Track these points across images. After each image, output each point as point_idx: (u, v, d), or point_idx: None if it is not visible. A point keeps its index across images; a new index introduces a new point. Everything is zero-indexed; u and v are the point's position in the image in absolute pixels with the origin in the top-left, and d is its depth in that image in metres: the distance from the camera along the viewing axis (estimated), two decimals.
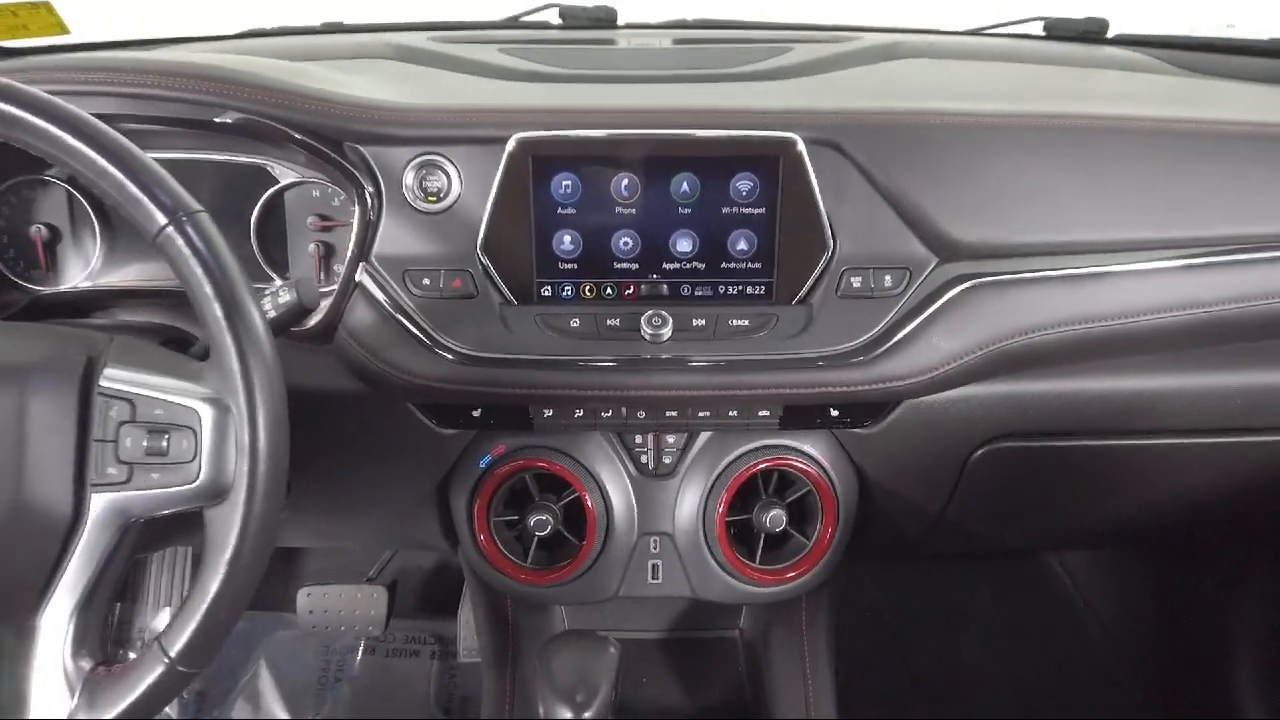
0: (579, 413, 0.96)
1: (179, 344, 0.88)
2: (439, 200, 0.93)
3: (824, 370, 0.90)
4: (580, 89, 1.05)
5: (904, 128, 0.91)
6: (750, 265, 0.93)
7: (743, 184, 0.90)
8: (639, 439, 1.01)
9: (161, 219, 0.66)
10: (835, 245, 0.91)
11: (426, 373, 0.91)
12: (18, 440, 0.67)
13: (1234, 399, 1.01)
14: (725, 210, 0.91)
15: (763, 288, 0.93)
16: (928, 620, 1.38)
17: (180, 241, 0.66)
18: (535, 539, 1.00)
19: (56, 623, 0.68)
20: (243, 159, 1.01)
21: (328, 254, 1.04)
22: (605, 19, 1.50)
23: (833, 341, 0.90)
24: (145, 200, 0.66)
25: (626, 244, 0.93)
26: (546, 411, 0.96)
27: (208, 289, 0.67)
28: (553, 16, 1.52)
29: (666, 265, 0.93)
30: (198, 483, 0.67)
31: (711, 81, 1.09)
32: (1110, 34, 1.46)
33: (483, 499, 1.00)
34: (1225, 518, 1.25)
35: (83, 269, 1.05)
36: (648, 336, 0.90)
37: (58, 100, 0.66)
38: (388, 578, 1.65)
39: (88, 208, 1.03)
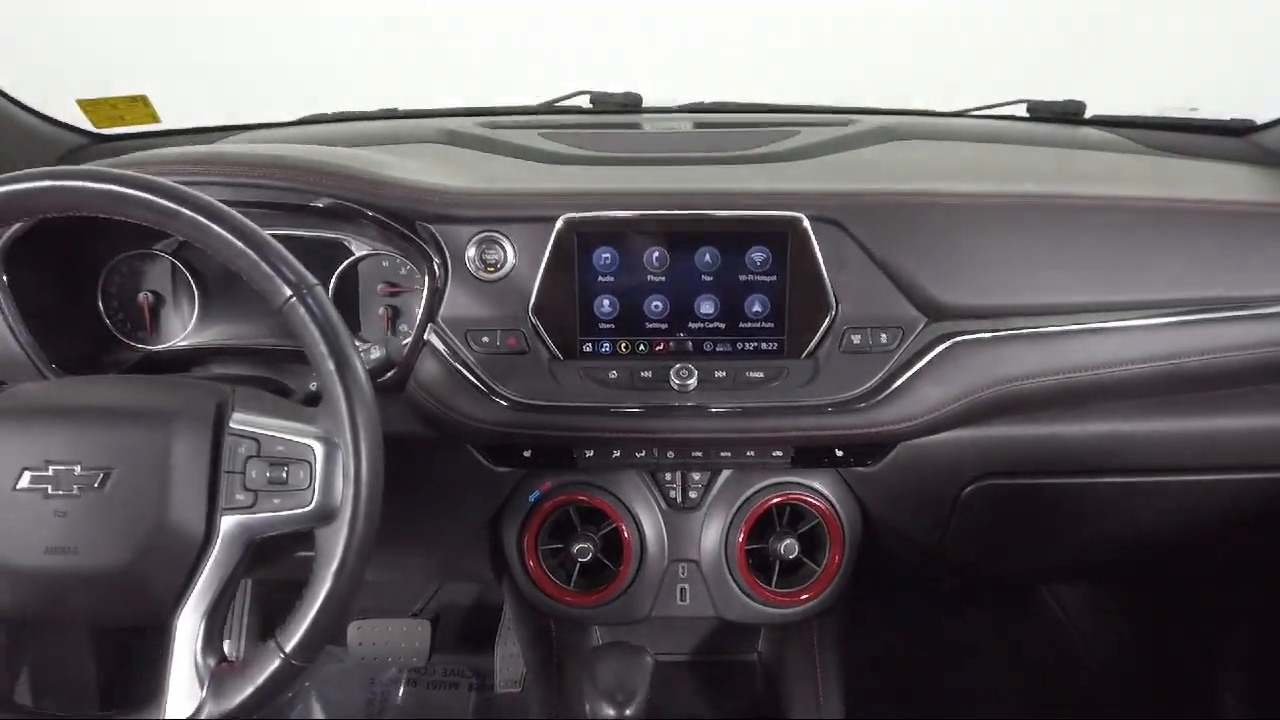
0: (616, 453, 1.10)
1: (278, 393, 1.03)
2: (497, 270, 1.08)
3: (830, 416, 1.04)
4: (616, 171, 1.21)
5: (896, 207, 1.06)
6: (764, 325, 1.07)
7: (756, 255, 1.05)
8: (668, 476, 1.15)
9: (287, 291, 0.81)
10: (837, 307, 1.06)
11: (485, 418, 1.05)
12: (164, 472, 0.81)
13: (1204, 441, 1.14)
14: (742, 278, 1.06)
15: (775, 344, 1.08)
16: (931, 653, 1.48)
17: (302, 310, 0.81)
18: (578, 565, 1.13)
19: (190, 625, 0.82)
20: (324, 235, 1.17)
21: (394, 316, 1.19)
22: (631, 103, 1.66)
23: (837, 391, 1.04)
24: (274, 276, 0.81)
25: (657, 307, 1.08)
26: (588, 452, 1.10)
27: (323, 348, 0.81)
28: (584, 101, 1.68)
29: (691, 325, 1.08)
30: (312, 506, 0.81)
31: (728, 163, 1.25)
32: (1087, 115, 1.61)
33: (532, 530, 1.14)
34: (1208, 553, 1.36)
35: (181, 329, 1.21)
36: (676, 386, 1.05)
37: (200, 194, 0.82)
38: (430, 613, 1.77)
39: (188, 277, 1.19)
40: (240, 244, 0.81)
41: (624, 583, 1.13)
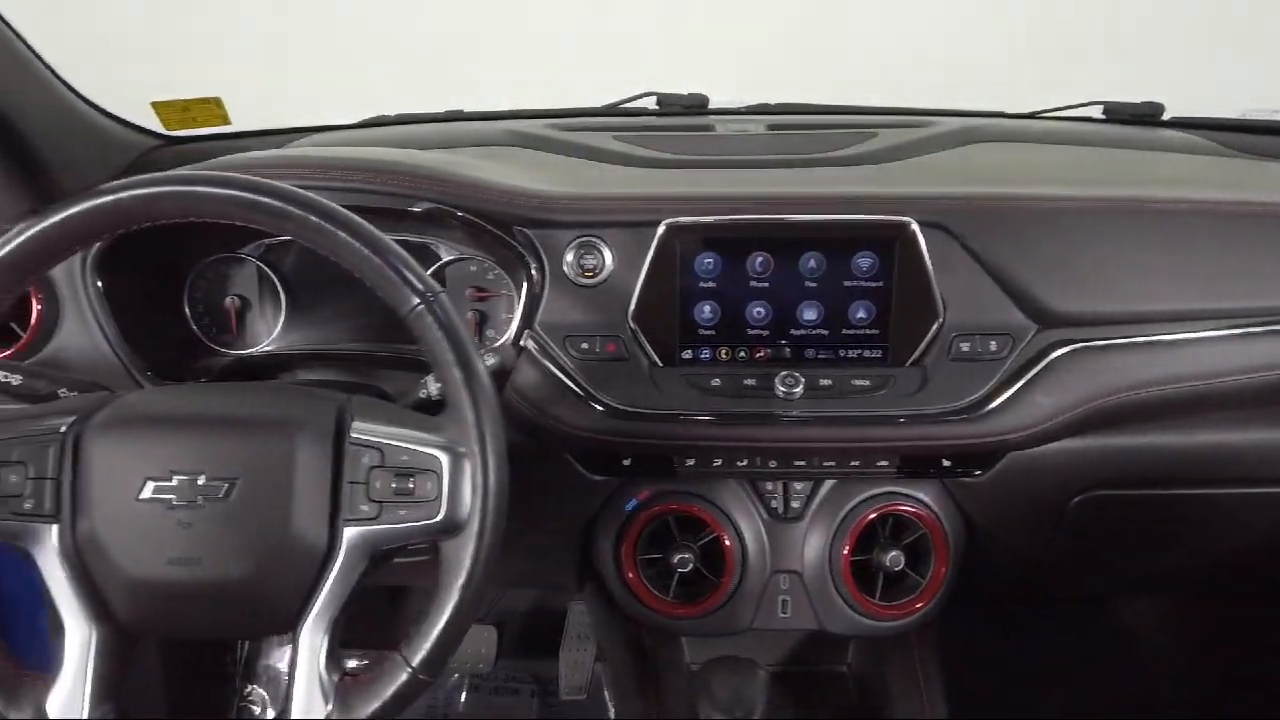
0: (717, 462, 1.08)
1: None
2: (595, 275, 1.06)
3: (939, 425, 1.02)
4: (702, 174, 1.19)
5: (1005, 212, 1.04)
6: (868, 332, 1.05)
7: (863, 261, 1.04)
8: (769, 486, 1.13)
9: (414, 299, 0.80)
10: (944, 314, 1.04)
11: (586, 425, 1.04)
12: (287, 482, 0.80)
13: None
14: (847, 284, 1.04)
15: (879, 351, 1.06)
16: (1027, 662, 1.46)
17: (429, 318, 0.80)
18: (676, 575, 1.11)
19: (313, 638, 0.80)
20: (413, 239, 1.16)
21: (482, 321, 1.18)
22: (697, 104, 1.64)
23: (946, 400, 1.02)
24: (401, 283, 0.80)
25: (759, 313, 1.06)
26: (688, 461, 1.08)
27: (450, 356, 0.80)
28: (649, 103, 1.67)
29: (794, 331, 1.06)
30: (440, 518, 0.80)
31: (814, 166, 1.23)
32: (1165, 117, 1.59)
33: (629, 539, 1.12)
34: None
35: (266, 334, 1.20)
36: (781, 394, 1.03)
37: (326, 201, 0.80)
38: (493, 619, 1.76)
39: (274, 281, 1.18)
40: (367, 250, 0.79)
41: (726, 594, 1.11)
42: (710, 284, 1.05)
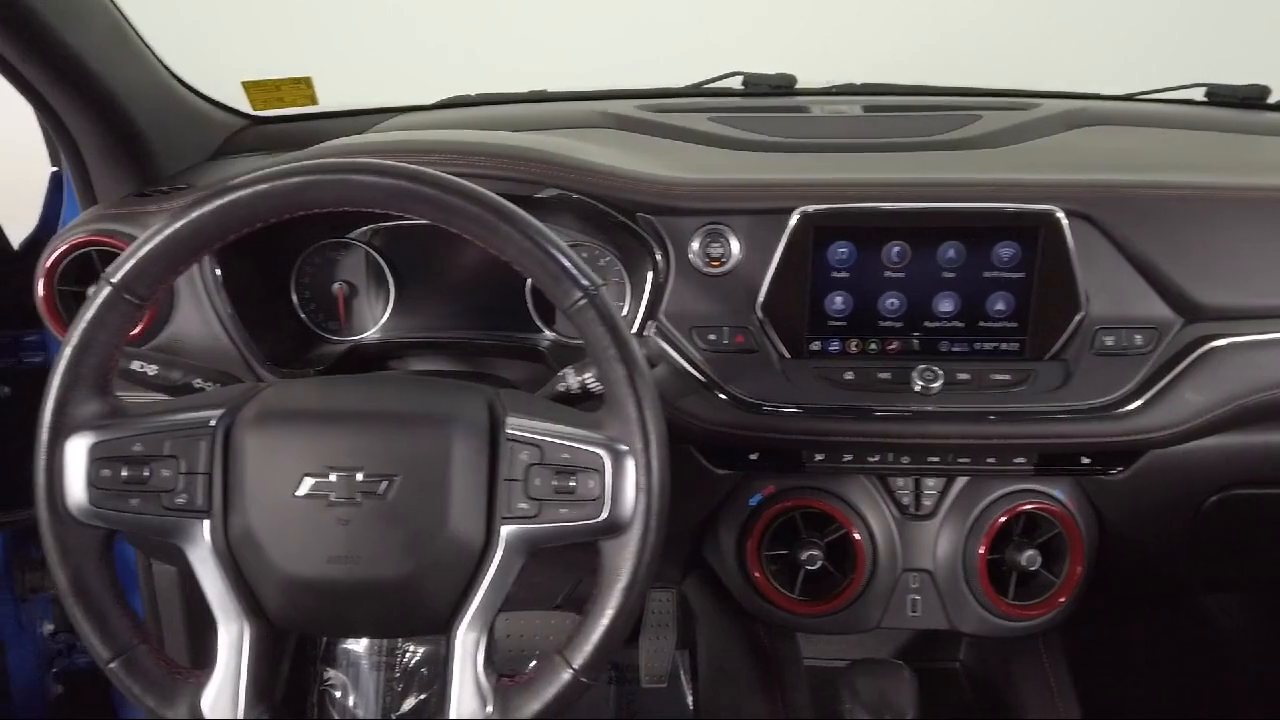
0: (848, 457, 1.05)
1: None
2: (721, 264, 1.04)
3: (1082, 423, 0.99)
4: (818, 159, 1.15)
5: (1151, 200, 1.01)
6: (1006, 324, 1.02)
7: (1004, 251, 1.00)
8: (900, 482, 1.11)
9: (577, 293, 0.77)
10: (1086, 306, 1.00)
11: (713, 418, 1.01)
12: (445, 479, 0.78)
13: None
14: (986, 274, 1.01)
15: (1016, 344, 1.03)
16: (1152, 656, 1.42)
17: (593, 312, 0.77)
18: (803, 572, 1.09)
19: (470, 638, 0.78)
20: None
21: None
22: (785, 84, 1.60)
23: (1090, 396, 0.99)
24: (563, 277, 0.77)
25: (893, 304, 1.03)
26: (818, 455, 1.06)
27: (614, 351, 0.77)
28: (735, 83, 1.63)
29: (928, 324, 1.03)
30: (602, 518, 0.77)
31: (922, 150, 1.19)
32: (1272, 100, 1.54)
33: (755, 535, 1.10)
34: None
35: (373, 321, 1.17)
36: (918, 389, 1.00)
37: (489, 192, 0.78)
38: (572, 606, 1.75)
39: (383, 266, 1.16)
40: (530, 243, 0.77)
41: (855, 592, 1.09)
42: (843, 274, 1.02)
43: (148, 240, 0.77)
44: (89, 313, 0.77)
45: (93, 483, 0.77)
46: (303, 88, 1.45)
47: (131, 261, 0.76)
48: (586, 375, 0.90)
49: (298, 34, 2.01)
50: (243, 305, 1.07)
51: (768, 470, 1.09)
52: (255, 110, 1.46)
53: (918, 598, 1.11)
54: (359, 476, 0.77)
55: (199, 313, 1.06)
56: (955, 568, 1.10)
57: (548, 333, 1.16)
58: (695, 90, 1.61)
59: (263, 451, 0.78)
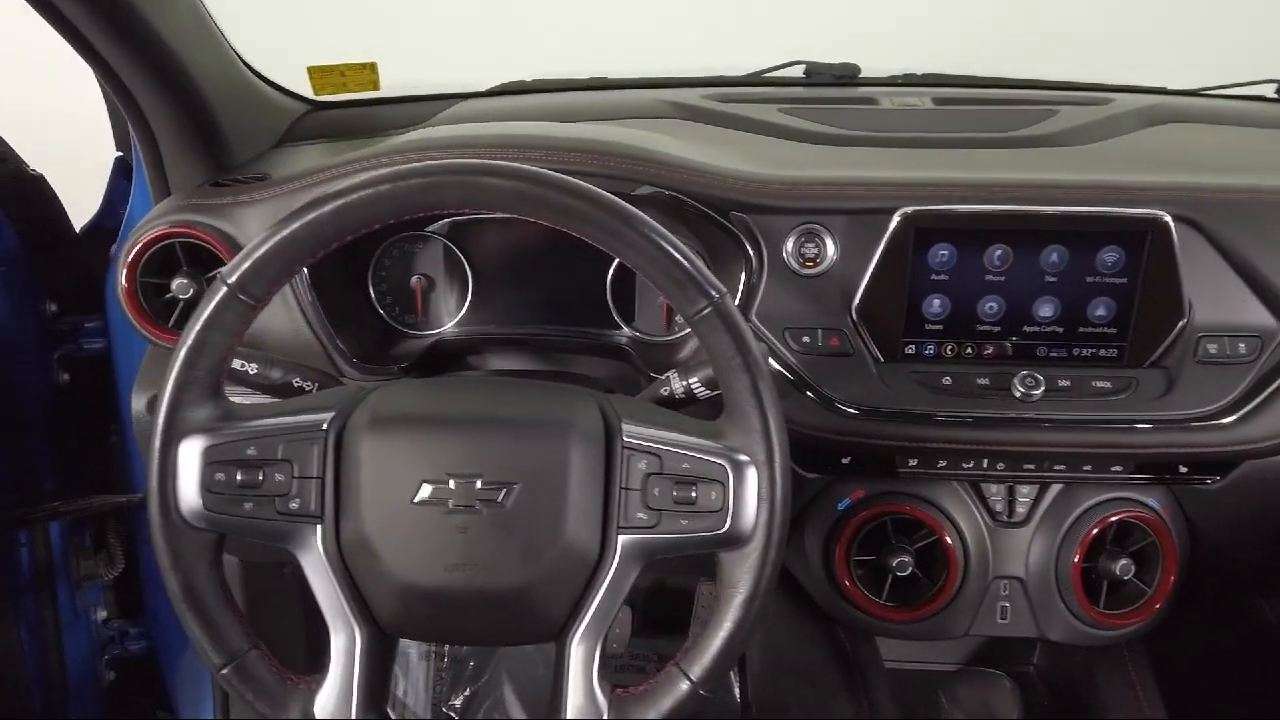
0: (942, 463, 1.04)
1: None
2: (816, 265, 1.02)
3: (1184, 432, 0.98)
4: (919, 156, 1.12)
5: (1253, 204, 0.99)
6: (1106, 330, 1.01)
7: (1109, 255, 0.99)
8: (993, 488, 1.09)
9: (703, 301, 0.75)
10: (1189, 313, 0.99)
11: (808, 422, 1.00)
12: (562, 487, 0.76)
13: None
14: (1089, 279, 0.99)
15: (1115, 351, 1.01)
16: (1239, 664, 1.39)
17: (718, 320, 0.75)
18: (890, 578, 1.08)
19: (584, 649, 0.77)
20: None
21: (673, 307, 1.13)
22: (848, 74, 1.57)
23: (1192, 405, 0.98)
24: (689, 284, 0.75)
25: (992, 308, 1.01)
26: (911, 461, 1.05)
27: (739, 360, 0.76)
28: (796, 71, 1.60)
29: (1026, 328, 1.01)
30: (723, 530, 0.76)
31: (1002, 146, 1.16)
32: None
33: (843, 540, 1.09)
34: None
35: (449, 316, 1.16)
36: (1019, 395, 0.98)
37: (614, 197, 0.76)
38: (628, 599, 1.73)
39: (462, 259, 1.14)
40: (655, 249, 0.75)
41: (946, 599, 1.08)
42: (942, 276, 1.00)
43: (265, 241, 0.75)
44: (204, 314, 0.75)
45: (206, 487, 0.75)
46: (367, 73, 1.42)
47: (248, 262, 0.75)
48: (693, 380, 0.88)
49: (345, 15, 1.97)
50: (329, 300, 1.05)
51: (858, 475, 1.08)
52: (316, 95, 1.44)
53: (1007, 605, 1.10)
54: (478, 484, 0.75)
55: (284, 308, 1.04)
56: (1048, 576, 1.09)
57: (625, 329, 1.14)
58: (756, 79, 1.58)
59: (378, 457, 0.76)
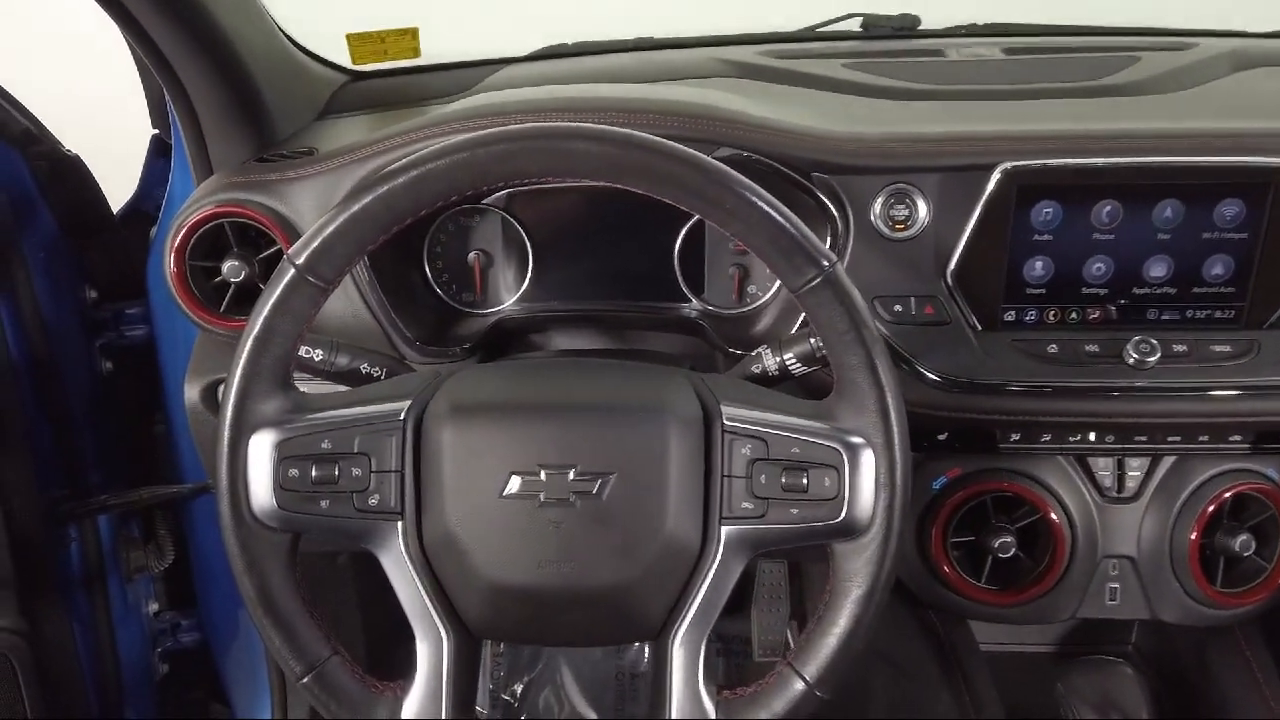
0: (1046, 437, 0.98)
1: None
2: (906, 228, 0.95)
3: None
4: (1009, 109, 1.05)
5: None
6: (1223, 290, 0.94)
7: (1228, 209, 0.91)
8: (1101, 462, 1.03)
9: (812, 271, 0.69)
10: None
11: (907, 398, 0.93)
12: (662, 476, 0.70)
13: None
14: (1205, 235, 0.92)
15: (1232, 312, 0.94)
16: None
17: (829, 291, 0.69)
18: (991, 560, 1.02)
19: (688, 649, 0.72)
20: None
21: (744, 276, 1.07)
22: (908, 25, 1.49)
23: None
24: (797, 253, 0.69)
25: (1099, 269, 0.94)
26: (1014, 435, 0.98)
27: (853, 334, 0.69)
28: (853, 25, 1.52)
29: (1136, 290, 0.94)
30: (839, 520, 0.70)
31: (1088, 97, 1.09)
32: None
33: (940, 520, 1.03)
34: None
35: (507, 293, 1.10)
36: (1131, 362, 0.92)
37: (717, 162, 0.69)
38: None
39: (521, 232, 1.08)
40: (761, 216, 0.68)
41: (1053, 580, 1.02)
42: (1046, 237, 0.93)
43: (334, 218, 0.69)
44: (271, 298, 0.69)
45: (280, 484, 0.70)
46: (408, 39, 1.36)
47: (317, 241, 0.69)
48: (787, 355, 0.82)
49: None
50: (389, 281, 0.99)
51: (954, 451, 1.01)
52: (355, 64, 1.37)
53: (1116, 585, 1.04)
54: (571, 475, 0.70)
55: (341, 289, 0.98)
56: (1161, 554, 1.02)
57: (695, 301, 1.08)
58: (811, 34, 1.51)
59: (461, 447, 0.71)
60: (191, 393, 1.03)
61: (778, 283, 1.06)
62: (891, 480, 0.70)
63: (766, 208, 0.68)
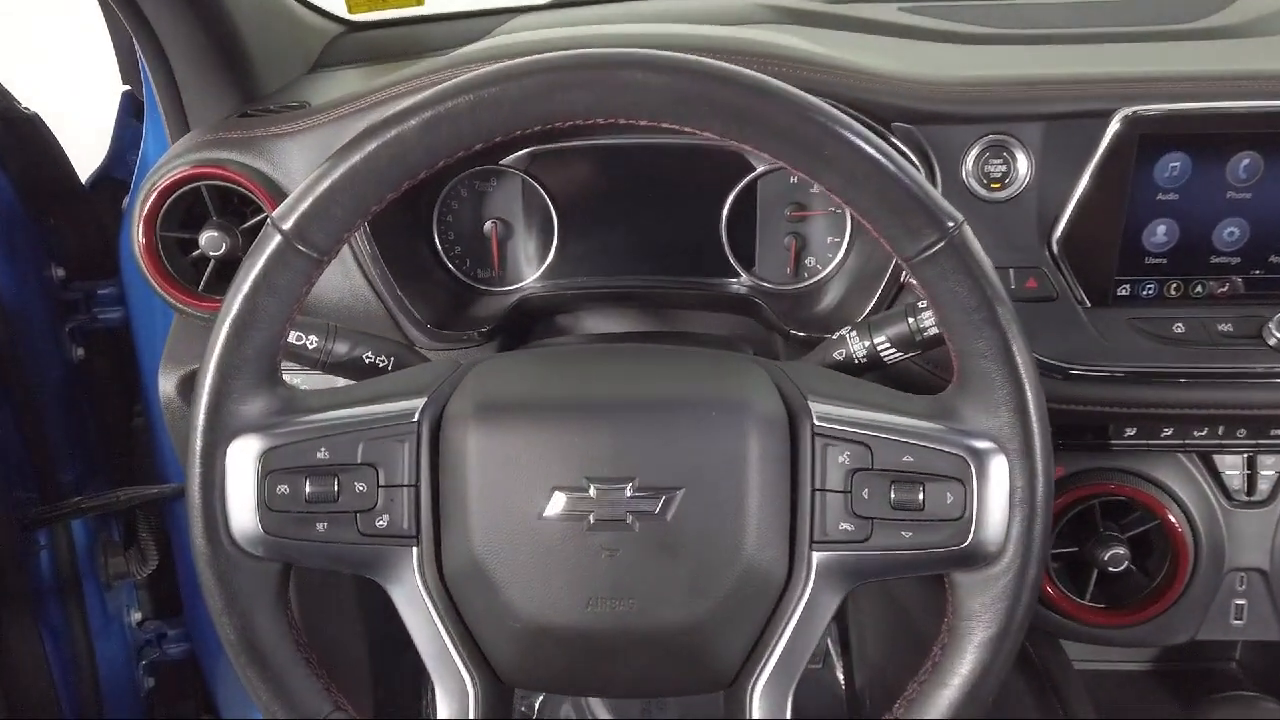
0: (1167, 431, 0.84)
1: None
2: (1004, 186, 0.81)
3: None
4: (1065, 51, 0.92)
5: None
6: None
7: None
8: (1228, 460, 0.89)
9: (932, 234, 0.55)
10: None
11: None
12: (739, 492, 0.57)
13: None
14: None
15: None
16: None
17: (955, 259, 0.55)
18: (1096, 574, 0.89)
19: (773, 698, 0.58)
20: (720, 142, 0.91)
21: (801, 247, 0.93)
22: None
23: None
24: (915, 211, 0.54)
25: (1232, 234, 0.80)
26: (1129, 430, 0.84)
27: (984, 313, 0.55)
28: None
29: (1275, 259, 0.80)
30: (965, 545, 0.56)
31: (1184, 39, 0.95)
32: None
33: None
34: None
35: (529, 268, 0.96)
36: (1274, 343, 0.78)
37: (814, 99, 0.55)
38: None
39: (545, 198, 0.93)
40: (867, 165, 0.54)
41: (1174, 597, 0.88)
42: (1171, 196, 0.79)
43: (328, 172, 0.55)
44: (252, 272, 0.55)
45: (267, 503, 0.57)
46: None
47: (309, 200, 0.55)
48: (879, 339, 0.68)
49: None
50: (392, 254, 0.85)
51: (1058, 448, 0.87)
52: (351, 14, 1.23)
53: (1243, 603, 0.90)
54: (628, 490, 0.56)
55: (339, 263, 0.84)
56: None
57: (745, 276, 0.94)
58: None
59: (491, 456, 0.57)
60: (167, 385, 0.89)
61: (840, 254, 0.92)
62: (1031, 496, 0.56)
63: (878, 155, 0.54)
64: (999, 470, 0.56)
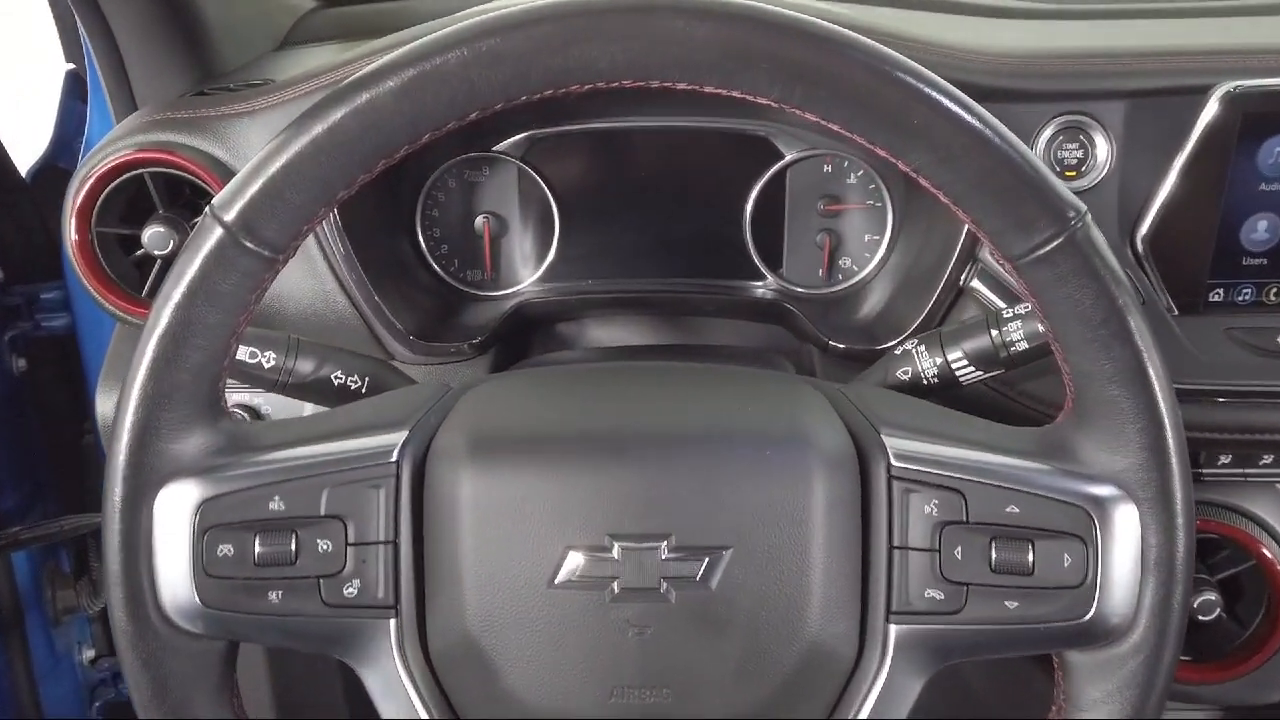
0: (1267, 459, 0.73)
1: None
2: (1080, 174, 0.71)
3: None
4: (1138, 26, 0.82)
5: None
6: None
7: None
8: None
9: (1049, 227, 0.43)
10: None
11: None
12: (801, 551, 0.45)
13: None
14: None
15: None
16: None
17: (1076, 257, 0.43)
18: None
19: None
20: (744, 126, 0.80)
21: (836, 245, 0.82)
22: None
23: None
24: (1028, 200, 0.43)
25: None
26: (1223, 458, 0.74)
27: (1114, 324, 0.44)
28: None
29: None
30: (1085, 618, 0.45)
31: (1265, 15, 0.85)
32: None
33: None
34: None
35: (525, 269, 0.84)
36: None
37: (896, 54, 0.43)
38: None
39: (544, 189, 0.82)
40: (968, 139, 0.43)
41: (1274, 649, 0.78)
42: (1276, 186, 0.69)
43: (282, 148, 0.43)
44: (185, 275, 0.43)
45: (206, 567, 0.45)
46: None
47: (257, 184, 0.43)
48: (954, 355, 0.57)
49: None
50: (368, 255, 0.74)
51: None
52: None
53: None
54: (663, 552, 0.44)
55: (304, 263, 0.72)
56: None
57: (771, 279, 0.83)
58: None
59: (487, 506, 0.45)
60: (104, 405, 0.77)
61: (880, 253, 0.82)
62: (1170, 557, 0.45)
63: (982, 126, 0.43)
64: (1128, 524, 0.45)
